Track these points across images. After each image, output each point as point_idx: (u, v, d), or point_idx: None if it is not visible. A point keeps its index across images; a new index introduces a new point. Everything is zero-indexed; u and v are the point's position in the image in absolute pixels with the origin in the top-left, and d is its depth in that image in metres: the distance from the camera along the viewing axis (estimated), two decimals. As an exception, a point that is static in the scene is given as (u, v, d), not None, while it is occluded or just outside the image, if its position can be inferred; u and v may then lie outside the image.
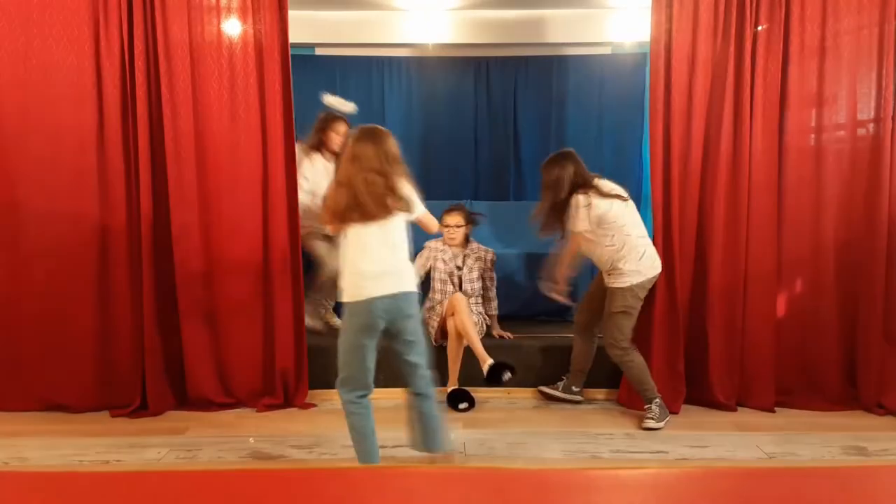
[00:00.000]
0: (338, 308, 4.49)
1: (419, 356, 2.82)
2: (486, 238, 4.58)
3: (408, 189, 2.75)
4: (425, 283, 4.04)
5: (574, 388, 3.86)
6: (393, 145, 2.71)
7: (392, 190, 2.66)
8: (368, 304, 2.68)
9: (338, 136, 4.13)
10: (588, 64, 6.02)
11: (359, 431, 2.84)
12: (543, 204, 3.55)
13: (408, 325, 2.78)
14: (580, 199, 3.45)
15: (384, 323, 2.72)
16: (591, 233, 3.49)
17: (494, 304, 4.20)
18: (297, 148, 3.93)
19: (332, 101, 4.25)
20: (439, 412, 2.91)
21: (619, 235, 3.47)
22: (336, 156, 4.21)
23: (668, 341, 3.74)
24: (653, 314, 3.72)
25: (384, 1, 4.82)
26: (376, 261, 2.70)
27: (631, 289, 3.50)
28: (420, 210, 2.84)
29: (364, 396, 2.86)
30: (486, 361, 3.66)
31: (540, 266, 4.76)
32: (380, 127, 2.78)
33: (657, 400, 3.55)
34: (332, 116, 4.16)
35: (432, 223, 3.00)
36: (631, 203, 3.57)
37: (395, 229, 2.72)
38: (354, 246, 2.71)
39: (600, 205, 3.44)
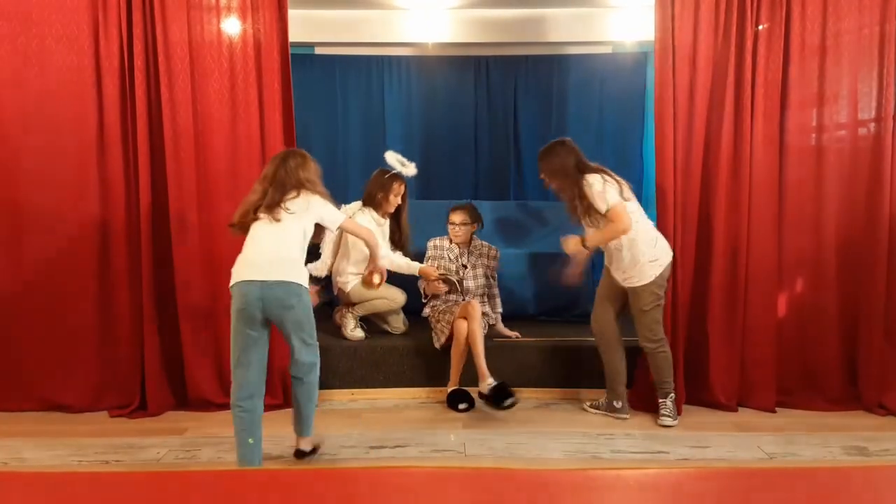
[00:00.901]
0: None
1: (299, 342, 2.97)
2: (485, 238, 4.57)
3: (315, 201, 3.01)
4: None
5: (616, 404, 3.67)
6: (300, 166, 3.04)
7: (283, 198, 2.98)
8: (239, 288, 2.90)
9: (396, 197, 4.00)
10: (589, 63, 6.02)
11: (237, 434, 2.93)
12: (565, 193, 3.48)
13: (287, 315, 2.93)
14: (593, 177, 3.38)
15: (260, 312, 2.88)
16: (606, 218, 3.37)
17: (498, 300, 4.21)
18: (354, 208, 3.94)
19: (393, 159, 4.09)
20: (311, 401, 3.05)
21: (634, 223, 3.40)
22: (392, 216, 4.11)
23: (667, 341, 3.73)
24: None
25: (384, 0, 4.81)
26: (259, 251, 2.95)
27: (655, 282, 3.44)
28: (336, 224, 3.10)
29: (248, 399, 2.91)
30: (486, 379, 3.62)
31: (539, 265, 4.78)
32: (299, 150, 3.15)
33: (673, 395, 3.54)
34: (394, 176, 3.99)
35: (361, 232, 3.31)
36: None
37: (288, 230, 2.96)
38: (248, 238, 2.99)
39: (614, 186, 3.38)
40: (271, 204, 2.96)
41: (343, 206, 4.05)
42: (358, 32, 5.06)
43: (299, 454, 3.13)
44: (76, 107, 3.59)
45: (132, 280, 3.68)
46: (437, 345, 3.90)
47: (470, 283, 4.07)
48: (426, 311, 4.08)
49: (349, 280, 4.06)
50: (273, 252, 2.96)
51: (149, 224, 3.64)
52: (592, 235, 3.47)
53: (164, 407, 3.72)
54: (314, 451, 3.17)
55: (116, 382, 3.72)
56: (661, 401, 3.55)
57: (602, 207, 3.36)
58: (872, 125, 3.68)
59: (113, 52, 3.57)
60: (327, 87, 5.96)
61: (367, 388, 3.95)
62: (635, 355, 3.77)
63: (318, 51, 5.90)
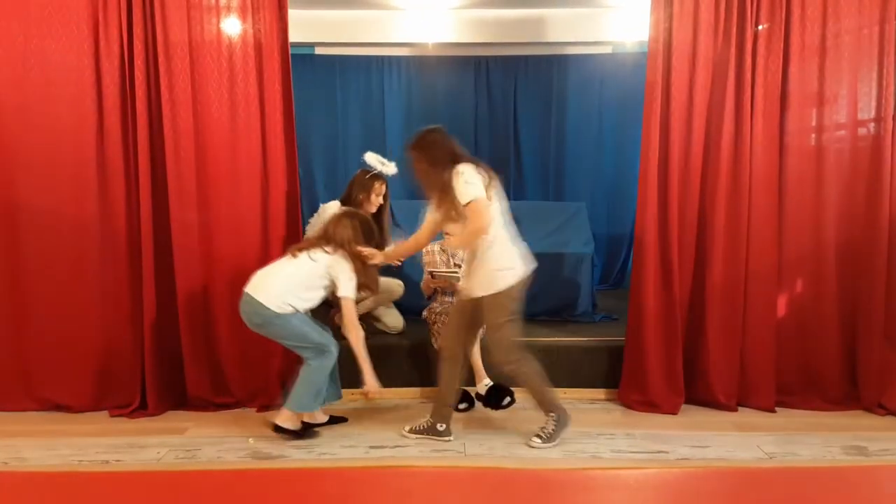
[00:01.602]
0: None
1: (291, 348, 3.33)
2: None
3: (338, 265, 3.27)
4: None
5: (440, 427, 3.36)
6: (345, 227, 3.33)
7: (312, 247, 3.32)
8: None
9: (378, 197, 3.96)
10: (588, 63, 6.03)
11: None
12: (427, 178, 3.18)
13: (261, 331, 3.28)
14: (465, 166, 3.10)
15: (246, 320, 3.28)
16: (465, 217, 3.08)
17: None
18: (332, 207, 3.89)
19: (373, 159, 4.09)
20: (305, 378, 3.27)
21: (493, 225, 3.12)
22: (375, 216, 4.01)
23: (666, 341, 3.74)
24: (651, 314, 3.72)
25: (384, 0, 4.82)
26: (264, 272, 3.29)
27: (505, 293, 3.14)
28: (342, 292, 3.26)
29: None
30: (483, 380, 3.63)
31: (539, 265, 4.78)
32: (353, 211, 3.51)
33: (554, 415, 3.27)
34: (375, 176, 3.95)
35: (345, 313, 3.30)
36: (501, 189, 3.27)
37: (301, 267, 3.25)
38: None
39: (481, 180, 3.09)
40: (302, 247, 3.31)
41: (322, 204, 4.09)
42: (358, 32, 5.07)
43: (274, 427, 3.31)
44: (76, 107, 3.58)
45: (132, 279, 3.68)
46: (435, 345, 3.91)
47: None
48: (424, 312, 4.08)
49: None
50: (268, 270, 3.24)
51: (149, 224, 3.64)
52: (454, 238, 3.30)
53: (165, 407, 3.72)
54: (285, 431, 3.30)
55: (116, 382, 3.72)
56: (547, 416, 3.30)
57: (463, 199, 3.05)
58: (872, 125, 3.68)
59: (113, 52, 3.57)
60: (327, 87, 5.97)
61: (367, 388, 3.95)
62: (620, 353, 3.82)
63: (318, 51, 5.91)
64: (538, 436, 3.27)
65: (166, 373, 3.73)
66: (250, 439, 3.35)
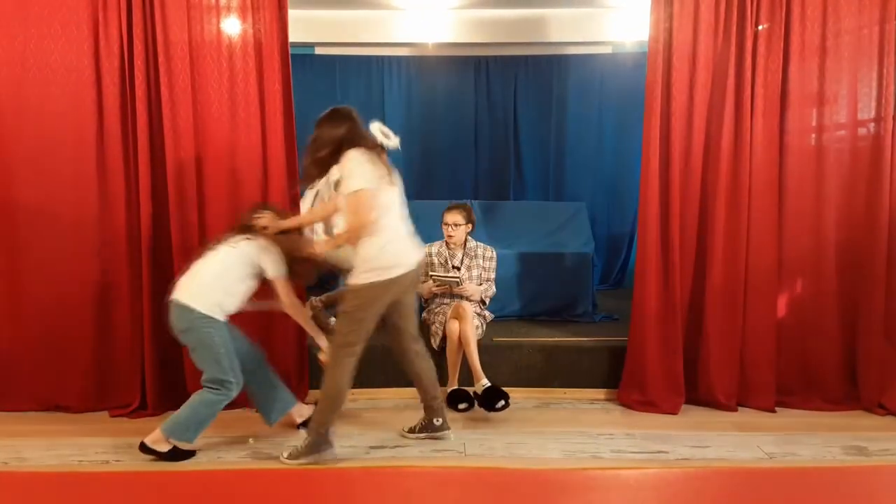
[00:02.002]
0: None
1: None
2: (483, 238, 4.58)
3: (262, 250, 3.18)
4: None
5: (436, 422, 3.32)
6: (260, 216, 3.26)
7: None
8: None
9: None
10: (588, 63, 6.03)
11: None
12: (306, 158, 3.05)
13: (181, 337, 3.15)
14: (358, 151, 2.95)
15: (173, 329, 3.17)
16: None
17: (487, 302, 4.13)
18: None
19: (377, 130, 4.06)
20: (190, 403, 3.13)
21: (384, 218, 2.99)
22: None
23: (666, 341, 3.74)
24: (651, 314, 3.71)
25: (384, 0, 4.82)
26: (186, 276, 3.18)
27: (366, 287, 2.98)
28: (271, 273, 3.18)
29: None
30: (481, 380, 3.62)
31: (539, 265, 4.79)
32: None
33: (313, 438, 3.07)
34: (380, 148, 4.00)
35: (281, 293, 3.21)
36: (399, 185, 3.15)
37: (224, 258, 3.16)
38: None
39: (374, 172, 2.94)
40: (219, 239, 3.22)
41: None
42: (358, 32, 5.07)
43: (140, 445, 3.13)
44: (76, 107, 3.58)
45: (132, 279, 3.67)
46: (434, 345, 3.91)
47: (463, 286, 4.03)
48: (424, 314, 4.08)
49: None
50: (191, 272, 3.17)
51: (149, 223, 3.63)
52: (336, 235, 3.15)
53: (165, 407, 3.71)
54: (151, 452, 3.11)
55: (117, 382, 3.72)
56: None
57: (349, 186, 2.91)
58: (872, 125, 3.68)
59: (113, 52, 3.57)
60: (327, 87, 5.97)
61: (367, 388, 3.95)
62: (620, 353, 3.81)
63: (318, 51, 5.91)
64: (290, 451, 3.11)
65: (166, 373, 3.72)
66: (250, 439, 3.35)
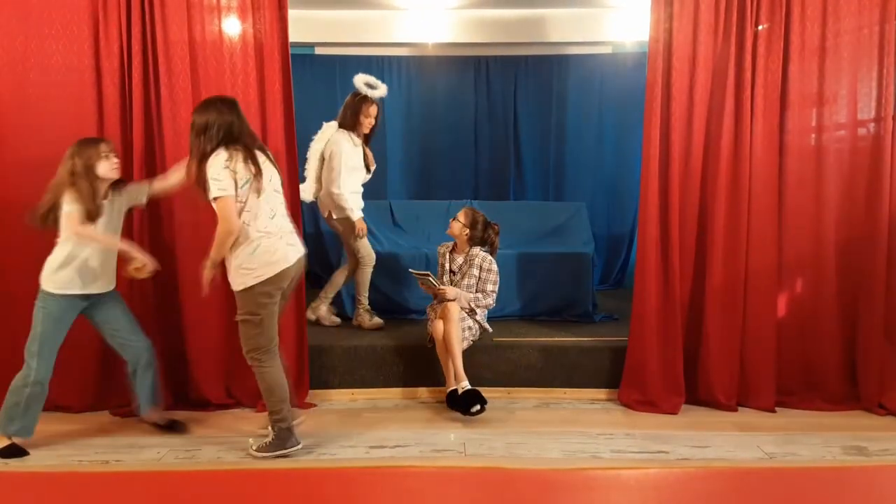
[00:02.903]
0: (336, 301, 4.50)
1: None
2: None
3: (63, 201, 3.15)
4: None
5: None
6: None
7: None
8: None
9: (368, 119, 4.08)
10: (588, 63, 6.03)
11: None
12: (191, 158, 2.99)
13: None
14: (224, 153, 2.90)
15: None
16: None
17: (481, 314, 4.02)
18: (331, 128, 3.94)
19: (359, 82, 4.12)
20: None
21: (254, 222, 2.97)
22: (366, 138, 4.20)
23: (666, 341, 3.74)
24: (652, 314, 3.72)
25: (384, 0, 4.82)
26: None
27: (253, 290, 3.00)
28: (64, 209, 3.14)
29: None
30: (462, 382, 3.60)
31: (539, 265, 4.79)
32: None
33: (275, 431, 3.12)
34: (365, 99, 4.09)
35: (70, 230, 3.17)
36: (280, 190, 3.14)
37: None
38: None
39: (241, 173, 2.89)
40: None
41: (324, 123, 4.24)
42: (358, 32, 5.07)
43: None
44: (76, 106, 3.58)
45: (132, 279, 3.67)
46: (428, 344, 3.93)
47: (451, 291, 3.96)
48: (428, 308, 4.11)
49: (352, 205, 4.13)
50: None
51: (149, 223, 3.63)
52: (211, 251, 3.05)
53: (165, 407, 3.71)
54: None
55: (117, 382, 3.71)
56: (269, 427, 3.18)
57: (211, 192, 2.90)
58: (872, 125, 3.68)
59: (113, 52, 3.57)
60: (327, 87, 5.96)
61: (367, 388, 3.95)
62: (620, 353, 3.82)
63: (318, 51, 5.91)
64: (257, 448, 3.15)
65: (166, 373, 3.72)
66: (250, 439, 3.35)
